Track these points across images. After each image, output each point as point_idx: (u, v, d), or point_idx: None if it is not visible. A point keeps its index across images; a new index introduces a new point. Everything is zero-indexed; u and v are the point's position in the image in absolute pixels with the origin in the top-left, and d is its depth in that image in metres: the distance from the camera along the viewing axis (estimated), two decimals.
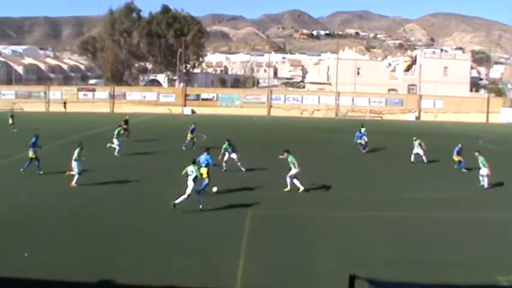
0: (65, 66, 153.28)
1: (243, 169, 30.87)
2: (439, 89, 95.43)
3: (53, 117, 70.36)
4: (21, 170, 28.88)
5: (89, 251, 16.60)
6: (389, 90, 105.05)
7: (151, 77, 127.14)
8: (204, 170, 24.18)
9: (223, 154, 31.12)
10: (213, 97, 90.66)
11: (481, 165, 28.00)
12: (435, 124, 75.30)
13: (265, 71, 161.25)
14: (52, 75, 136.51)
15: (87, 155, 27.81)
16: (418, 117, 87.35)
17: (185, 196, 21.14)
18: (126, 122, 45.62)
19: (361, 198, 25.28)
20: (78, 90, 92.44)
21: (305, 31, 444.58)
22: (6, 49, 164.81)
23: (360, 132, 41.73)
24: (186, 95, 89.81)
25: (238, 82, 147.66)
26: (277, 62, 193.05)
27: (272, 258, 16.43)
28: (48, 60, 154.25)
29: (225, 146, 31.39)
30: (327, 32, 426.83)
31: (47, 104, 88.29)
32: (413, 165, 35.41)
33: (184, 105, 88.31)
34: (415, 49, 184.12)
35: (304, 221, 20.61)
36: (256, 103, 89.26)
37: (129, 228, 19.27)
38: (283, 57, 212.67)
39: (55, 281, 14.28)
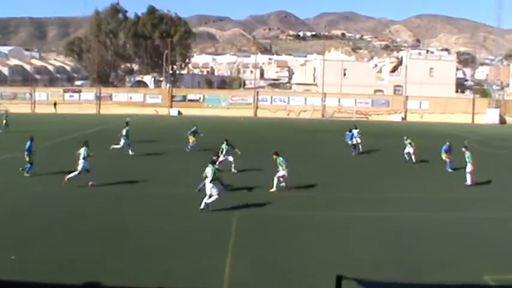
0: (50, 67, 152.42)
1: (235, 171, 30.79)
2: (425, 90, 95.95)
3: (40, 119, 69.91)
4: (21, 169, 28.60)
5: (76, 252, 16.45)
6: (376, 91, 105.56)
7: (138, 78, 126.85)
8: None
9: (220, 154, 31.07)
10: (200, 98, 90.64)
11: (467, 159, 28.48)
12: (421, 125, 75.61)
13: (251, 72, 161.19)
14: (38, 77, 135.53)
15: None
16: (404, 118, 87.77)
17: (215, 197, 21.48)
18: (127, 123, 45.75)
19: (349, 198, 25.31)
20: (64, 91, 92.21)
21: (291, 32, 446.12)
22: None
23: (350, 132, 41.65)
24: (172, 96, 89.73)
25: (224, 83, 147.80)
26: (263, 63, 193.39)
27: (259, 258, 16.40)
28: (34, 61, 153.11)
29: (223, 145, 31.51)
30: (313, 33, 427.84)
31: (33, 105, 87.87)
32: (401, 166, 35.61)
33: (171, 107, 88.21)
34: (401, 50, 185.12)
35: (292, 222, 20.59)
36: (243, 104, 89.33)
37: (116, 229, 19.18)
38: (270, 59, 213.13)
39: (42, 283, 14.16)
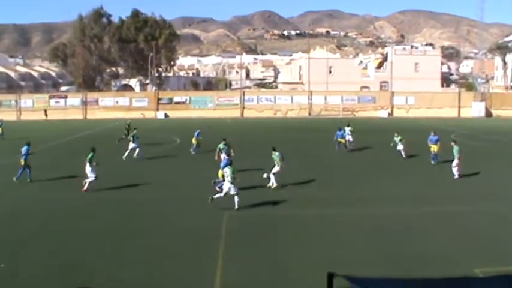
0: (35, 74, 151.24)
1: None
2: (411, 85, 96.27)
3: (27, 126, 69.58)
4: (14, 178, 28.53)
5: (67, 257, 16.39)
6: (362, 87, 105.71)
7: (124, 82, 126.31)
8: (220, 173, 24.86)
9: (219, 153, 31.06)
10: (186, 100, 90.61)
11: (455, 153, 28.77)
12: (408, 120, 75.90)
13: (237, 72, 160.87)
14: (22, 83, 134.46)
15: (73, 161, 27.58)
16: (390, 114, 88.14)
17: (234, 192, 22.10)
18: (129, 125, 46.02)
19: (338, 197, 25.46)
20: (50, 97, 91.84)
21: (276, 31, 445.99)
22: None
23: (340, 130, 41.54)
24: (158, 99, 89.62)
25: (210, 84, 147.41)
26: (249, 63, 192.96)
27: (250, 258, 16.43)
28: (18, 68, 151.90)
29: (221, 145, 31.70)
30: (298, 31, 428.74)
31: (19, 113, 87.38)
32: (389, 162, 35.95)
33: (157, 109, 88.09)
34: (386, 46, 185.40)
35: (282, 221, 20.63)
36: (229, 105, 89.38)
37: (108, 233, 19.14)
38: (255, 58, 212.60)
39: None
